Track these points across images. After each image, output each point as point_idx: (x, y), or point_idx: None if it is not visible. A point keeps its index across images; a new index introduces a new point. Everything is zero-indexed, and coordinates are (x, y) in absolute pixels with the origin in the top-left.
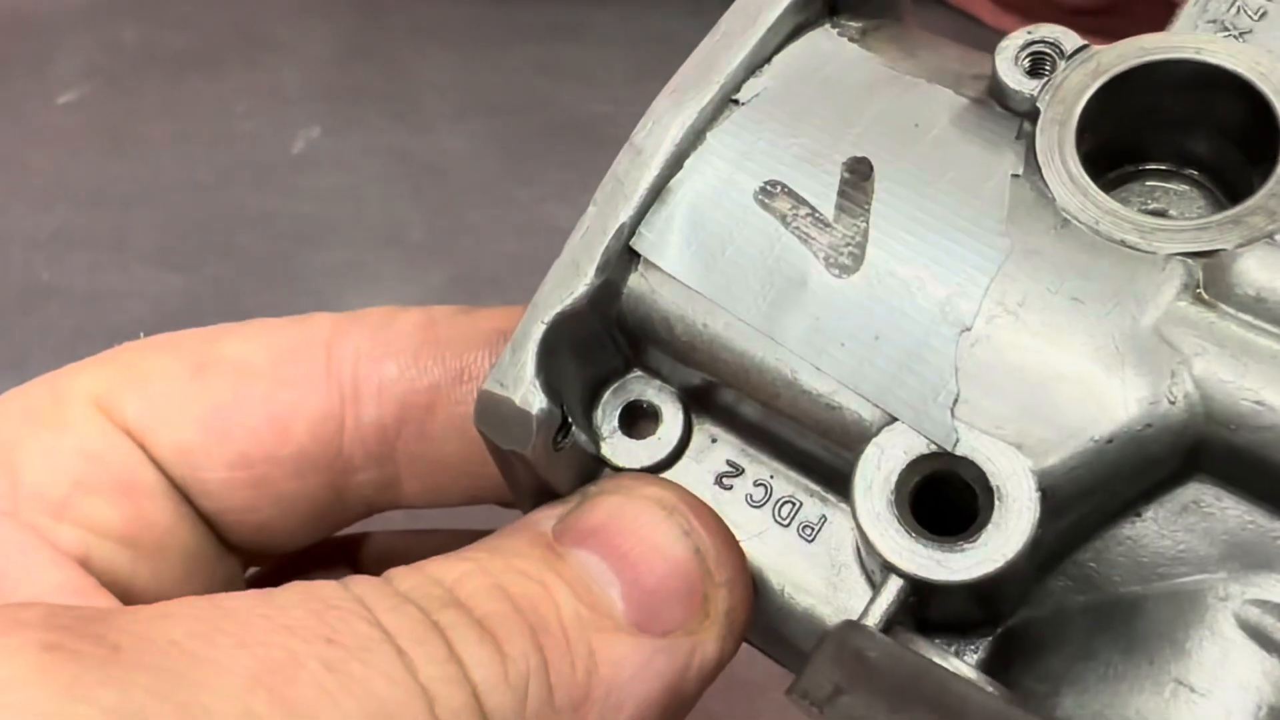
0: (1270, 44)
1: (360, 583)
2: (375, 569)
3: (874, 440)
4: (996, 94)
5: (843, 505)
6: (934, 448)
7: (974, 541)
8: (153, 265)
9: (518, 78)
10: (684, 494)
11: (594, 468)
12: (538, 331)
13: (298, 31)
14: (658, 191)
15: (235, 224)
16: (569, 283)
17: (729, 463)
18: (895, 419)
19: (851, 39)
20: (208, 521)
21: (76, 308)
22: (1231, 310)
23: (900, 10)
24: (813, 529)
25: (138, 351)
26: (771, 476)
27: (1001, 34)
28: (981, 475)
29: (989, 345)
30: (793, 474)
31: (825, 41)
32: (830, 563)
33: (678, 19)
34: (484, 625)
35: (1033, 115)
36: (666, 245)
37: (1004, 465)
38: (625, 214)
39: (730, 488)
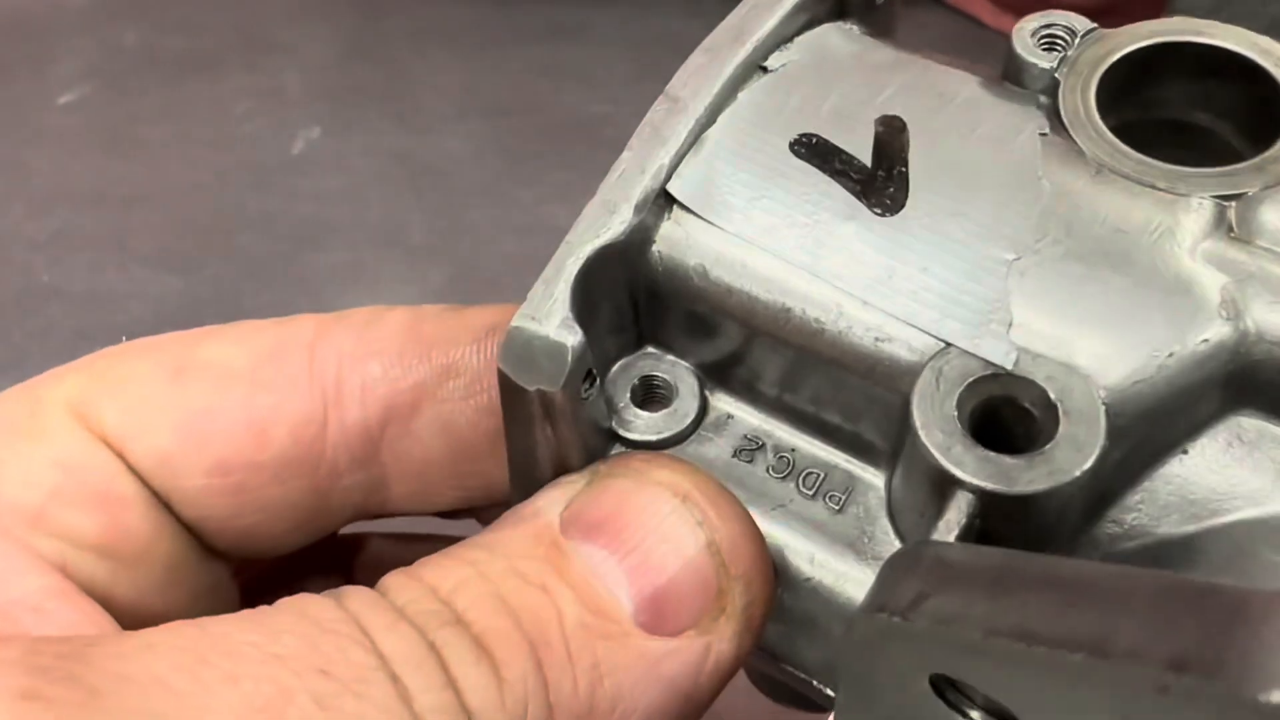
0: None
1: (355, 598)
2: (373, 568)
3: (929, 365)
4: (1012, 75)
5: (870, 471)
6: (992, 369)
7: (1044, 454)
8: (153, 266)
9: (518, 79)
10: (698, 478)
11: (604, 445)
12: (573, 266)
13: (298, 33)
14: (694, 139)
15: (235, 225)
16: (605, 220)
17: (747, 436)
18: (949, 346)
19: (862, 34)
20: (190, 529)
21: (76, 309)
22: (1264, 246)
23: (894, 32)
24: (840, 499)
25: (116, 357)
26: (793, 448)
27: (1001, 34)
28: (1043, 394)
29: (1039, 271)
30: (817, 442)
31: (839, 33)
32: (861, 533)
33: (677, 20)
34: (482, 643)
35: (1050, 90)
36: (703, 190)
37: (1066, 381)
38: (664, 157)
39: (751, 460)
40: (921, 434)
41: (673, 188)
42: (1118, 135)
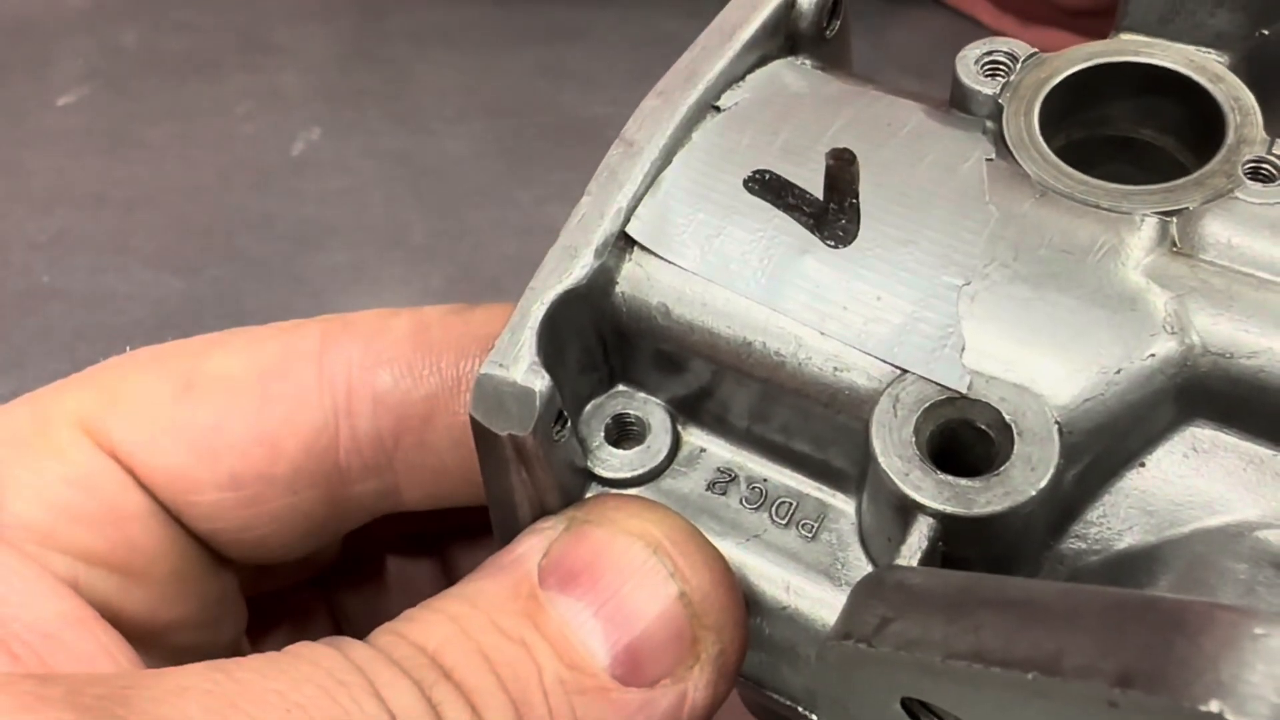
0: None
1: (357, 650)
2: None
3: (886, 391)
4: (958, 101)
5: (841, 498)
6: (947, 394)
7: (1000, 476)
8: (153, 268)
9: (518, 79)
10: (669, 526)
11: (581, 485)
12: (538, 312)
13: (298, 34)
14: (651, 181)
15: (236, 226)
16: (567, 265)
17: (720, 469)
18: (905, 372)
19: (813, 68)
20: (201, 541)
21: (77, 310)
22: (1207, 259)
23: (847, 64)
24: (812, 526)
25: (122, 370)
26: (765, 478)
27: (1002, 35)
28: (997, 416)
29: (989, 295)
30: (788, 472)
31: (790, 69)
32: (834, 559)
33: (677, 20)
34: (472, 702)
35: (995, 114)
36: (661, 230)
37: (1019, 402)
38: (622, 200)
39: (724, 492)
40: (881, 460)
41: (631, 229)
42: (1065, 155)
